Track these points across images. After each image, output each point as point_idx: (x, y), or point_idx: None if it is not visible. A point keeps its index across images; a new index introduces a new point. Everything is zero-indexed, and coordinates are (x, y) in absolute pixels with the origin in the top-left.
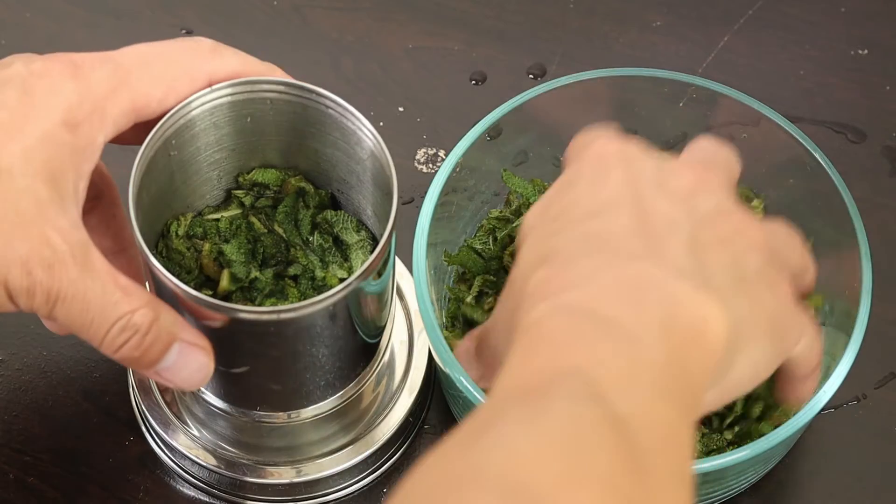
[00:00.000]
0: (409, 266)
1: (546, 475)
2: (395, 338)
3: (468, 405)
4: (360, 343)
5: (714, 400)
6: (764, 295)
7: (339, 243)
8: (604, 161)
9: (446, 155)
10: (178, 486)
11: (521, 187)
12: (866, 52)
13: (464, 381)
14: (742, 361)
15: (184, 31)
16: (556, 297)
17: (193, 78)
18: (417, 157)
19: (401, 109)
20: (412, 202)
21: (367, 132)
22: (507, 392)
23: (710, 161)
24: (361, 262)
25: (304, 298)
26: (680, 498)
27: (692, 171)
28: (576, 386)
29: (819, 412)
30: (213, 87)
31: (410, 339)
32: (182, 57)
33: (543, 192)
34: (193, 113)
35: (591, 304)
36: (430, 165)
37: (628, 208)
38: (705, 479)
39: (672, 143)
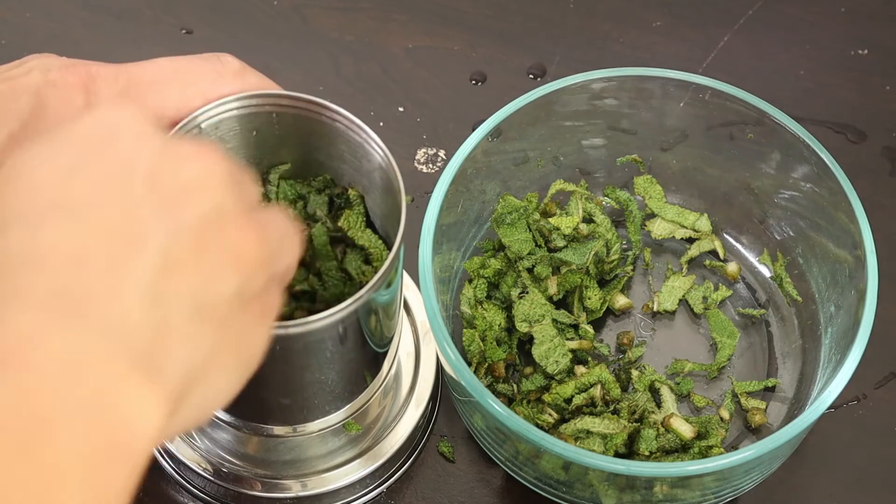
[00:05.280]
0: (413, 274)
1: None
2: (401, 350)
3: (477, 408)
4: (369, 354)
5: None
6: (234, 321)
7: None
8: (105, 125)
9: (446, 155)
10: (181, 499)
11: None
12: (866, 52)
13: (474, 385)
14: (197, 397)
15: (184, 31)
16: None
17: (209, 100)
18: (417, 157)
19: (401, 109)
20: (412, 202)
21: (375, 145)
22: None
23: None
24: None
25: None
26: None
27: (199, 162)
28: None
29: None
30: (220, 100)
31: (417, 351)
32: (202, 78)
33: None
34: (200, 126)
35: (13, 410)
36: (430, 165)
37: (102, 197)
38: (714, 478)
39: (672, 143)
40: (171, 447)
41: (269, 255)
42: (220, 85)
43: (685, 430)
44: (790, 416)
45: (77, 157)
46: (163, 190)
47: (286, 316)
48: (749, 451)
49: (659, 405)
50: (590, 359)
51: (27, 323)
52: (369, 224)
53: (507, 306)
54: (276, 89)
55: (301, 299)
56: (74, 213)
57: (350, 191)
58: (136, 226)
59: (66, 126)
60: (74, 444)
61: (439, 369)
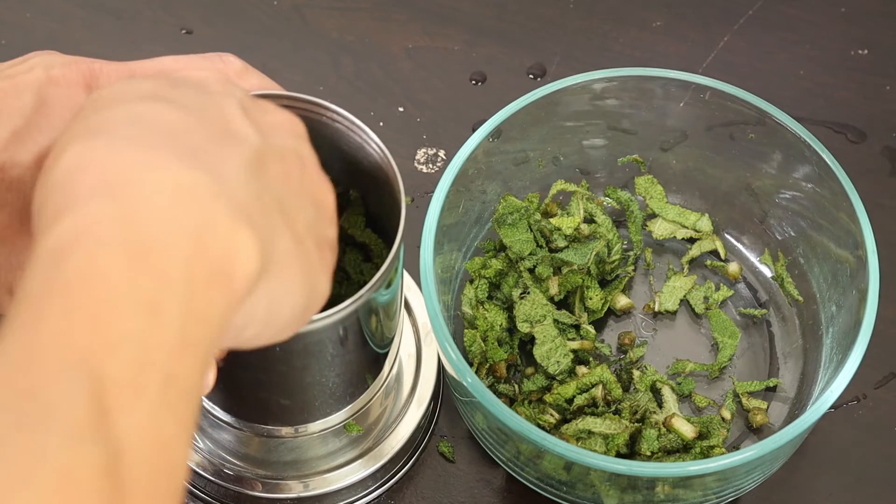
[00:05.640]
0: (414, 275)
1: None
2: (402, 351)
3: (478, 409)
4: (369, 355)
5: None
6: (308, 245)
7: (345, 273)
8: (195, 75)
9: (446, 155)
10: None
11: (515, 243)
12: (866, 52)
13: (475, 385)
14: (266, 295)
15: (184, 31)
16: (86, 206)
17: None
18: (417, 157)
19: (401, 109)
20: (412, 202)
21: (375, 146)
22: (3, 380)
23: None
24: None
25: None
26: None
27: (285, 114)
28: (77, 405)
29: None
30: None
31: (418, 351)
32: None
33: (547, 249)
34: None
35: (123, 227)
36: (430, 165)
37: (201, 103)
38: (715, 478)
39: (673, 144)
40: None
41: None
42: None
43: (687, 430)
44: (791, 416)
45: (173, 82)
46: (253, 119)
47: None
48: (750, 451)
49: (660, 405)
50: (591, 359)
51: (138, 155)
52: (369, 225)
53: (509, 307)
54: (278, 90)
55: None
56: (178, 104)
57: (351, 192)
58: (233, 125)
59: (92, 75)
60: (178, 259)
61: (440, 370)
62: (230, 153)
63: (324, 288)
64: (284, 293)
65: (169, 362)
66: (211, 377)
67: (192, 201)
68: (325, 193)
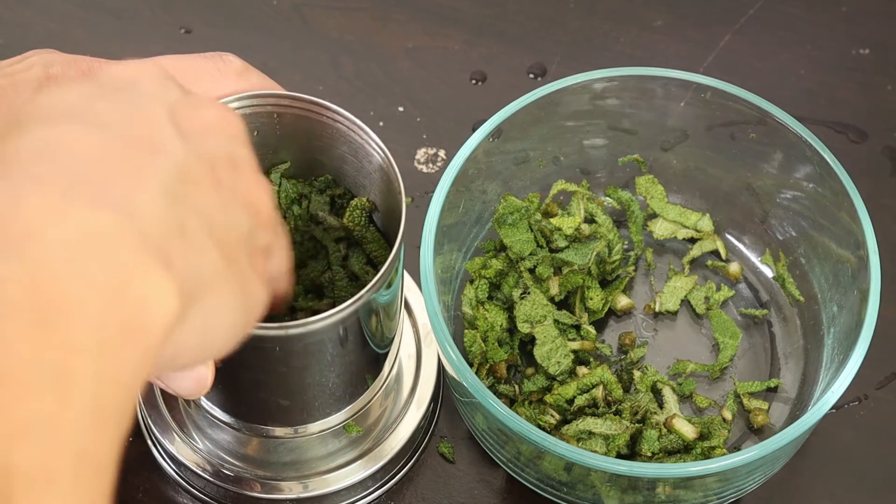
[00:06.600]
0: (414, 275)
1: None
2: (402, 352)
3: (478, 409)
4: (369, 355)
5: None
6: (240, 261)
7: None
8: (129, 72)
9: (446, 155)
10: (181, 500)
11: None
12: (867, 51)
13: (476, 386)
14: (199, 320)
15: (183, 31)
16: None
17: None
18: (417, 156)
19: (401, 109)
20: (412, 202)
21: (375, 146)
22: None
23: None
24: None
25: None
26: None
27: (219, 112)
28: None
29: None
30: (220, 100)
31: (418, 352)
32: (204, 77)
33: (547, 249)
34: None
35: (29, 290)
36: (430, 165)
37: (126, 113)
38: (716, 479)
39: (673, 143)
40: (172, 448)
41: (276, 220)
42: (222, 84)
43: (687, 430)
44: (793, 417)
45: (102, 89)
46: (182, 124)
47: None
48: (752, 452)
49: (661, 406)
50: (592, 359)
51: (44, 203)
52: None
53: (509, 307)
54: (278, 89)
55: (308, 294)
56: (96, 123)
57: (353, 192)
58: (157, 138)
59: (91, 73)
60: (89, 321)
61: (440, 370)
62: (149, 177)
63: (259, 297)
64: (217, 315)
65: (80, 439)
66: (210, 377)
67: (102, 251)
68: (261, 197)
